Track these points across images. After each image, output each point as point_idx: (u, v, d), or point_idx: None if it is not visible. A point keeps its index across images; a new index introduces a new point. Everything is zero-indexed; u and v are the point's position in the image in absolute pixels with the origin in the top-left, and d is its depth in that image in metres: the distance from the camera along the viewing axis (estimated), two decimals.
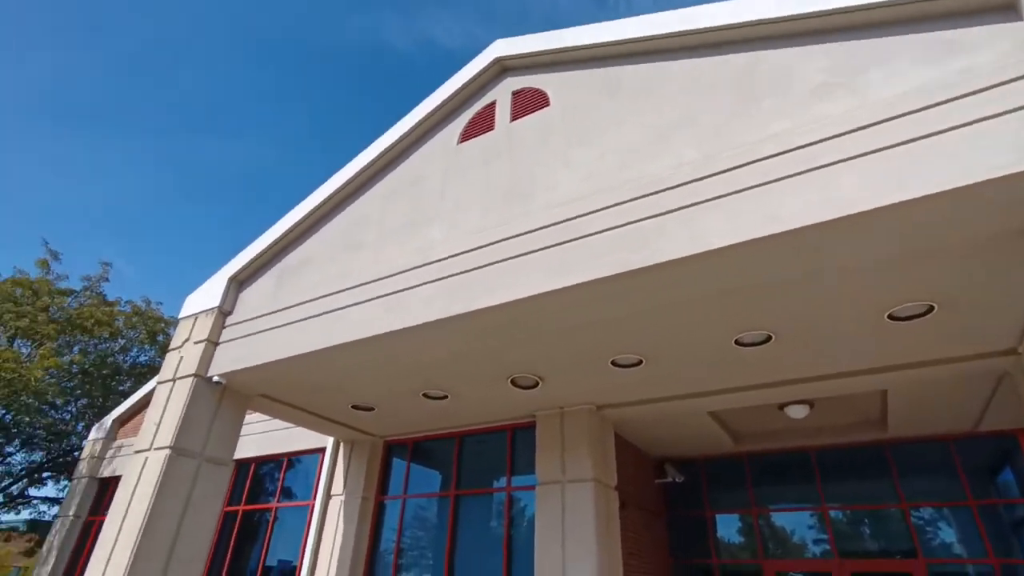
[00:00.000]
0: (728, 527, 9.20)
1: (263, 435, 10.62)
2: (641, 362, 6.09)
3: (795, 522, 8.73)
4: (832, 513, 8.40)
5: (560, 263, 4.66)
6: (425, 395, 7.29)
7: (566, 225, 4.79)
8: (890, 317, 5.06)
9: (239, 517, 10.26)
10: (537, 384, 6.76)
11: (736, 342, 5.60)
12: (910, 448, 8.27)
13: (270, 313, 6.73)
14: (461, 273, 5.24)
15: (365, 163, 6.97)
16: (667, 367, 6.21)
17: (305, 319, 6.30)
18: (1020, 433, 7.73)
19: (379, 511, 8.73)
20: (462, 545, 7.82)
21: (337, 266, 6.52)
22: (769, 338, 5.46)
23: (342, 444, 9.32)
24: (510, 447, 8.03)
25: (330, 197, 7.09)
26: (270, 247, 7.30)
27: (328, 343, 5.93)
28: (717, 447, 9.26)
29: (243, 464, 10.85)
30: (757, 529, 8.81)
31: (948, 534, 7.81)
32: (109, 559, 5.91)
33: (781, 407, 7.83)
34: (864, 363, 5.98)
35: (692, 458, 9.72)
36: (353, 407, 7.83)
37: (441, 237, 5.77)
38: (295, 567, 8.92)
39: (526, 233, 4.98)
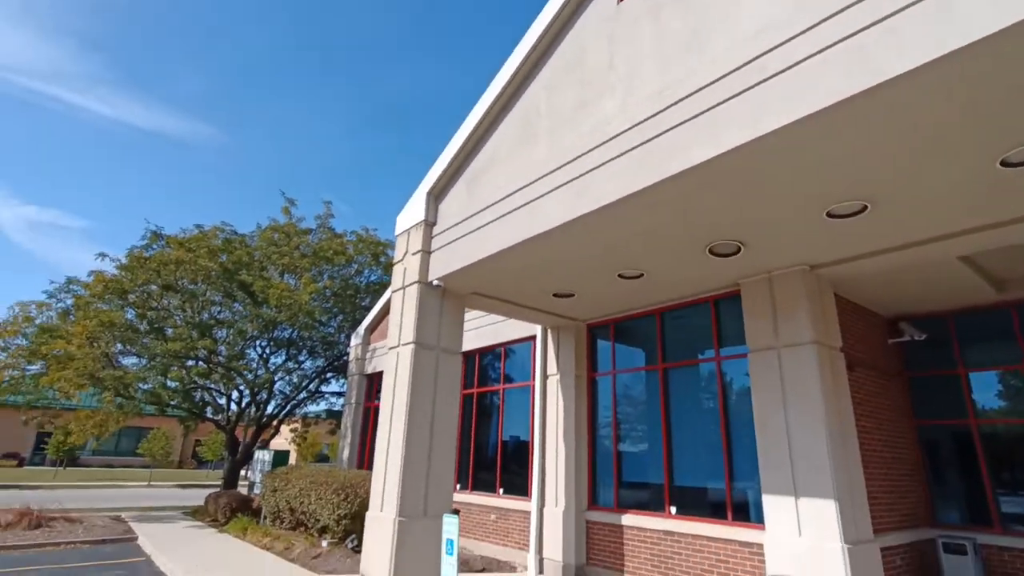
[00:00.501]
0: (989, 385, 7.97)
1: (481, 329, 12.00)
2: (865, 208, 5.30)
3: None
4: None
5: (760, 105, 4.15)
6: (620, 275, 7.40)
7: (762, 61, 4.19)
8: None
9: (474, 399, 12.02)
10: (739, 250, 6.38)
11: (1003, 163, 4.51)
12: None
13: (467, 218, 7.33)
14: (646, 142, 5.01)
15: (527, 49, 6.85)
16: (901, 210, 5.31)
17: (498, 218, 6.74)
18: None
19: (592, 387, 9.44)
20: (676, 414, 8.13)
21: (518, 162, 6.72)
22: None
23: (549, 331, 10.08)
24: (714, 318, 7.86)
25: (501, 92, 7.20)
26: (456, 156, 7.79)
27: (522, 237, 6.30)
28: (972, 297, 7.86)
29: (468, 356, 12.48)
30: None
31: None
32: (390, 431, 7.47)
33: None
34: None
35: (936, 313, 8.43)
36: (554, 295, 8.34)
37: (617, 109, 5.52)
38: (526, 441, 10.27)
39: (715, 81, 4.50)
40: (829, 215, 5.48)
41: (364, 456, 15.37)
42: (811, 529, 5.99)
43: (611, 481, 8.68)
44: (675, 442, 8.03)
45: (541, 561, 8.84)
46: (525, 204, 6.39)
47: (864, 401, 7.41)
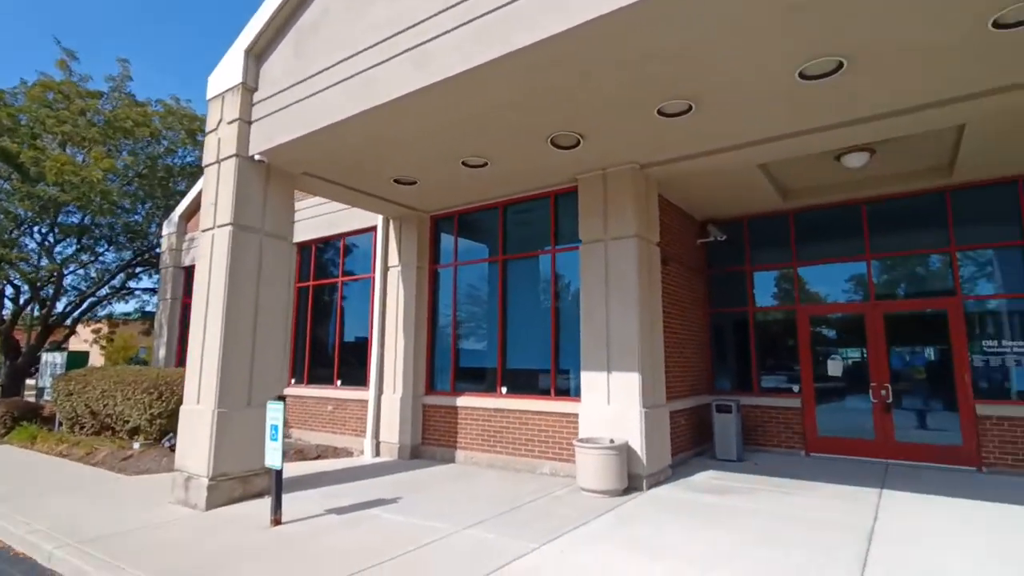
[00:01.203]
0: (767, 281, 9.54)
1: (318, 219, 11.15)
2: (691, 108, 5.64)
3: (834, 273, 8.91)
4: (874, 263, 8.48)
5: None
6: (464, 163, 7.20)
7: None
8: (995, 25, 4.31)
9: (311, 293, 11.38)
10: (578, 143, 6.50)
11: (801, 75, 5.01)
12: (971, 193, 7.88)
13: (294, 85, 6.42)
14: (493, 11, 4.65)
15: None
16: (718, 113, 5.75)
17: (330, 87, 5.99)
18: None
19: (434, 278, 9.42)
20: (512, 304, 8.50)
21: (354, 23, 5.92)
22: (840, 66, 4.84)
23: (391, 221, 9.69)
24: (553, 213, 8.14)
25: None
26: (280, 8, 6.64)
27: (357, 110, 5.70)
28: (763, 204, 9.11)
29: (305, 247, 11.64)
30: (796, 280, 9.10)
31: (991, 274, 7.84)
32: (206, 320, 6.76)
33: (838, 157, 7.40)
34: (948, 91, 5.32)
35: (736, 217, 9.68)
36: (395, 181, 7.90)
37: None
38: (365, 333, 10.08)
39: None
40: (660, 113, 5.75)
41: (183, 355, 14.02)
42: (618, 399, 6.84)
43: (448, 367, 9.00)
44: (510, 330, 8.47)
45: (377, 445, 9.08)
46: (360, 72, 5.72)
47: (672, 292, 8.41)
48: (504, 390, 8.27)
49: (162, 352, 14.41)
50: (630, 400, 6.76)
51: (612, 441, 6.51)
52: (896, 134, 6.24)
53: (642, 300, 7.01)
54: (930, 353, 8.09)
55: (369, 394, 9.27)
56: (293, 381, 11.31)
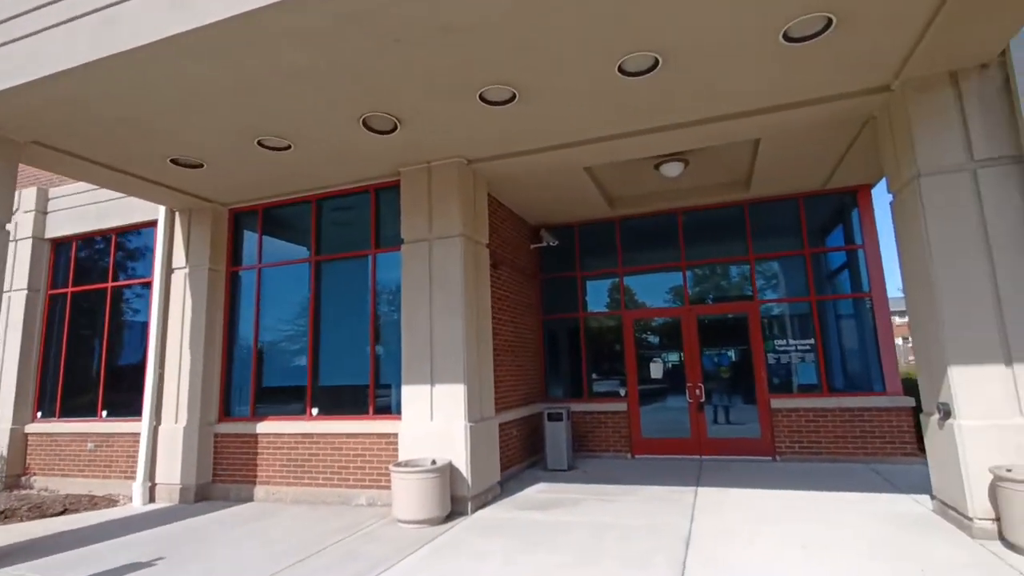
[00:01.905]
0: (597, 287, 9.67)
1: (84, 209, 8.96)
2: (514, 97, 5.24)
3: (656, 281, 9.31)
4: (689, 270, 8.99)
5: None
6: (261, 144, 6.05)
7: None
8: (785, 38, 4.50)
9: (68, 302, 9.05)
10: (396, 128, 5.77)
11: (620, 69, 4.86)
12: (765, 207, 8.71)
13: (5, 20, 4.79)
14: None
15: None
16: (542, 105, 5.43)
17: (57, 25, 4.53)
18: (860, 189, 8.31)
19: (233, 283, 7.96)
20: (327, 312, 7.44)
21: None
22: (656, 63, 4.77)
23: (178, 214, 8.01)
24: (374, 210, 7.29)
25: None
26: None
27: (92, 56, 4.35)
28: (592, 211, 9.22)
29: (62, 244, 9.29)
30: (622, 287, 9.33)
31: (781, 281, 8.73)
32: None
33: (657, 166, 7.65)
34: (745, 103, 5.60)
35: (568, 223, 9.70)
36: (173, 162, 6.43)
37: None
38: (141, 351, 8.17)
39: None
40: (483, 99, 5.26)
41: None
42: (442, 414, 6.18)
43: (248, 388, 7.60)
44: (324, 342, 7.39)
45: (152, 488, 7.32)
46: (101, 8, 4.39)
47: (504, 297, 8.03)
48: (315, 411, 7.15)
49: None
50: (455, 414, 6.13)
51: (434, 462, 5.82)
52: (705, 143, 6.52)
53: (469, 304, 6.47)
54: (735, 354, 8.73)
55: (143, 425, 7.46)
56: (39, 415, 8.85)
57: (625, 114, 5.74)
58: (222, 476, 7.34)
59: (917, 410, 7.55)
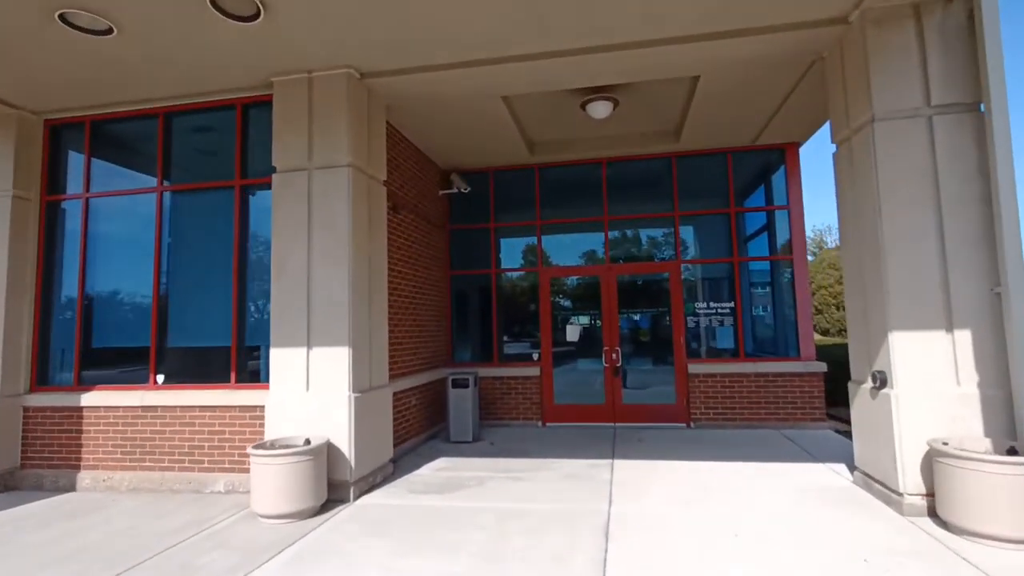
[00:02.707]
0: (512, 241, 8.77)
1: None
2: None
3: (576, 237, 8.57)
4: (611, 227, 8.30)
5: None
6: (65, 20, 4.41)
7: None
8: None
9: None
10: (259, 14, 4.37)
11: None
12: (692, 162, 8.16)
13: None
14: None
15: None
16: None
17: None
18: (788, 147, 7.95)
19: (50, 216, 6.19)
20: (176, 256, 5.95)
21: None
22: None
23: None
24: (240, 128, 5.82)
25: None
26: None
27: None
28: (510, 156, 8.22)
29: None
30: (539, 242, 8.49)
31: (704, 241, 8.29)
32: None
33: (584, 104, 6.75)
34: (684, 27, 4.76)
35: (482, 168, 8.65)
36: None
37: None
38: None
39: None
40: None
41: None
42: (321, 384, 5.07)
43: (72, 351, 6.00)
44: (173, 293, 5.92)
45: None
46: None
47: (405, 247, 6.91)
48: (160, 379, 5.75)
49: None
50: (336, 384, 5.05)
51: (308, 442, 4.73)
52: (640, 75, 5.68)
53: (359, 252, 5.32)
54: (654, 316, 8.25)
55: None
56: None
57: (546, 27, 4.72)
58: (34, 460, 5.78)
59: (829, 376, 7.47)
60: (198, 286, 5.88)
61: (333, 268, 5.15)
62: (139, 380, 5.79)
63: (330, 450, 4.89)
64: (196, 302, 5.87)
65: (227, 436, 5.39)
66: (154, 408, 5.56)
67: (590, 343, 8.23)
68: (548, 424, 8.08)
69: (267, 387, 5.32)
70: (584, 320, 8.32)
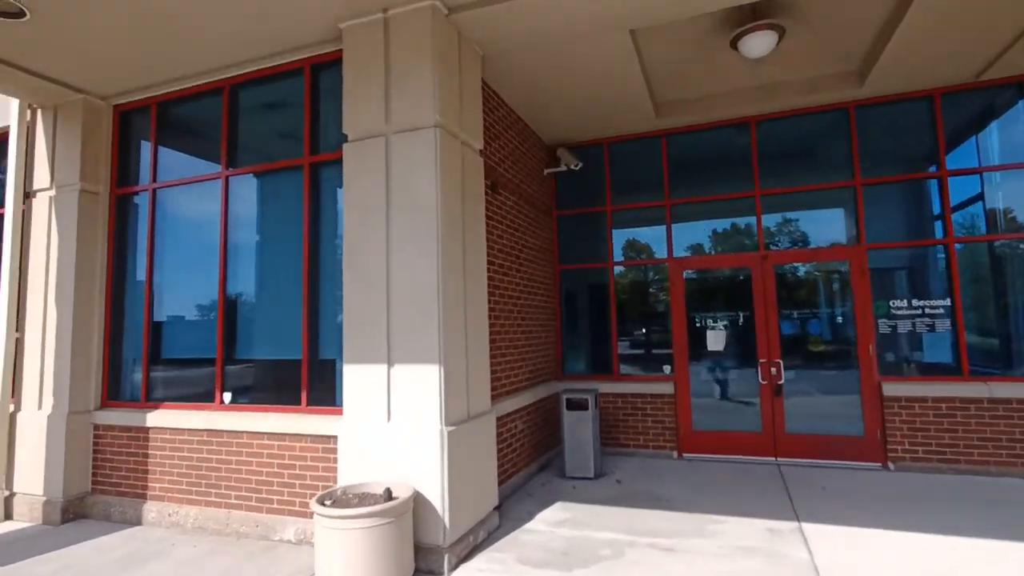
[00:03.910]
0: (630, 227, 7.20)
1: None
2: None
3: (714, 220, 6.83)
4: (765, 202, 6.48)
5: None
6: None
7: None
8: None
9: None
10: None
11: None
12: (880, 112, 6.13)
13: None
14: None
15: None
16: None
17: None
18: None
19: (120, 212, 5.58)
20: (241, 250, 5.07)
21: None
22: None
23: (40, 113, 5.58)
24: (309, 96, 4.80)
25: None
26: None
27: None
28: (631, 121, 6.66)
29: None
30: (669, 227, 6.84)
31: (899, 216, 6.21)
32: None
33: (736, 40, 5.06)
34: None
35: (594, 141, 7.17)
36: None
37: None
38: None
39: None
40: None
41: None
42: (405, 411, 3.88)
43: (140, 361, 5.33)
44: (238, 295, 5.05)
45: (10, 500, 5.18)
46: None
47: (505, 236, 5.62)
48: (227, 398, 4.89)
49: None
50: (424, 412, 3.83)
51: (389, 494, 3.55)
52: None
53: (450, 238, 4.07)
54: (828, 319, 6.32)
55: None
56: None
57: None
58: (103, 485, 5.16)
59: None
60: (266, 287, 4.97)
61: (417, 259, 3.94)
62: (206, 398, 4.96)
63: (417, 505, 3.68)
64: (264, 306, 4.96)
65: (297, 472, 4.38)
66: (219, 433, 4.68)
67: (739, 353, 6.47)
68: (685, 455, 6.43)
69: (342, 412, 4.24)
70: (730, 324, 6.56)
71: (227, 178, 5.07)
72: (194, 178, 5.29)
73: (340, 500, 3.55)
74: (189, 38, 4.50)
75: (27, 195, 5.53)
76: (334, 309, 4.60)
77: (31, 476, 5.14)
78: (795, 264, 6.43)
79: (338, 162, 4.53)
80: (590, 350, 7.22)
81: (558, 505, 4.90)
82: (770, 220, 6.50)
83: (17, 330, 5.40)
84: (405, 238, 3.99)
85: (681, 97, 6.47)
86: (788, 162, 6.50)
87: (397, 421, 3.89)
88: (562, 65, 5.24)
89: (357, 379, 4.04)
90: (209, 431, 4.72)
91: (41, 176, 5.51)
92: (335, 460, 4.23)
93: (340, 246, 4.53)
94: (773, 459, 6.08)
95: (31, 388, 5.30)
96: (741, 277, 6.58)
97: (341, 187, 4.39)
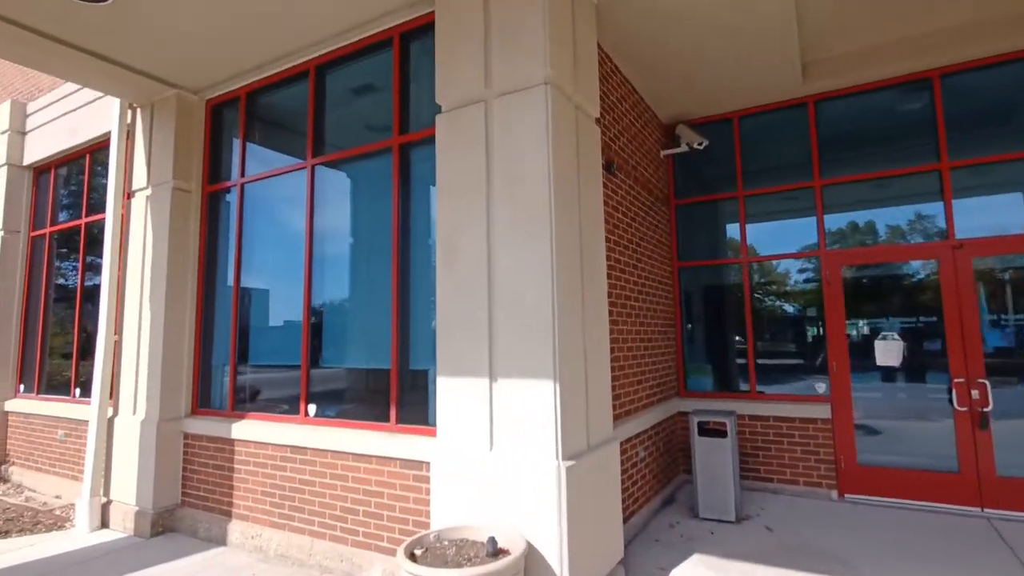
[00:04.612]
0: (767, 219, 6.03)
1: (58, 122, 6.81)
2: None
3: (879, 207, 5.50)
4: (955, 177, 5.07)
5: None
6: None
7: None
8: None
9: (47, 244, 7.04)
10: None
11: None
12: None
13: None
14: None
15: None
16: None
17: None
18: None
19: (211, 209, 5.34)
20: (328, 247, 4.58)
21: None
22: None
23: (139, 111, 5.50)
24: (397, 67, 4.22)
25: None
26: None
27: None
28: (770, 89, 5.53)
29: (43, 171, 7.27)
30: (820, 212, 5.60)
31: None
32: None
33: None
34: None
35: (720, 116, 6.09)
36: None
37: None
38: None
39: None
40: None
41: None
42: (509, 435, 3.11)
43: (227, 369, 5.01)
44: (323, 295, 4.56)
45: (106, 507, 5.04)
46: None
47: (622, 225, 4.73)
48: (311, 410, 4.39)
49: None
50: (537, 441, 3.04)
51: (494, 546, 2.78)
52: None
53: (564, 223, 3.26)
54: None
55: (91, 416, 5.16)
56: (22, 388, 7.01)
57: None
58: (192, 498, 4.86)
59: None
60: (353, 286, 4.43)
61: (525, 249, 3.17)
62: (290, 410, 4.51)
63: (530, 563, 2.88)
64: (351, 308, 4.43)
65: (385, 502, 3.75)
66: (303, 450, 4.18)
67: (920, 369, 5.09)
68: (848, 496, 5.14)
69: (435, 432, 3.56)
70: (907, 332, 5.19)
71: (313, 167, 4.62)
72: (280, 170, 4.90)
73: (433, 549, 2.84)
74: (277, 12, 4.07)
75: (128, 196, 5.45)
76: (427, 311, 3.95)
77: (125, 485, 4.97)
78: (1005, 255, 4.94)
79: (431, 140, 3.89)
80: (717, 362, 6.10)
81: (696, 559, 3.91)
82: (965, 203, 5.07)
83: (116, 332, 5.30)
84: (510, 224, 3.24)
85: (836, 53, 5.26)
86: (984, 126, 5.05)
87: (501, 449, 3.13)
88: (690, 18, 4.28)
89: (452, 395, 3.33)
90: (292, 447, 4.24)
91: (139, 176, 5.40)
92: (427, 491, 3.55)
93: (434, 237, 3.88)
94: (979, 510, 4.66)
95: (127, 393, 5.15)
96: (923, 274, 5.20)
97: (427, 170, 3.74)
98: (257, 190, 5.07)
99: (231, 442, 4.63)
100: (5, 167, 7.15)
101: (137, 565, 4.14)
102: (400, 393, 3.96)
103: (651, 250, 5.50)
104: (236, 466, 4.58)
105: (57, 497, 5.97)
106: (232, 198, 5.22)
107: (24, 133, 7.27)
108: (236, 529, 4.46)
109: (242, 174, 5.14)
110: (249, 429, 4.50)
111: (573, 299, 3.28)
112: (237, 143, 5.23)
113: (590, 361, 3.44)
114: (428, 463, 3.52)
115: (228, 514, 4.58)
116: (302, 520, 4.14)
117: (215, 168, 5.36)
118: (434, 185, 3.69)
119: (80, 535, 4.85)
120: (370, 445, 3.82)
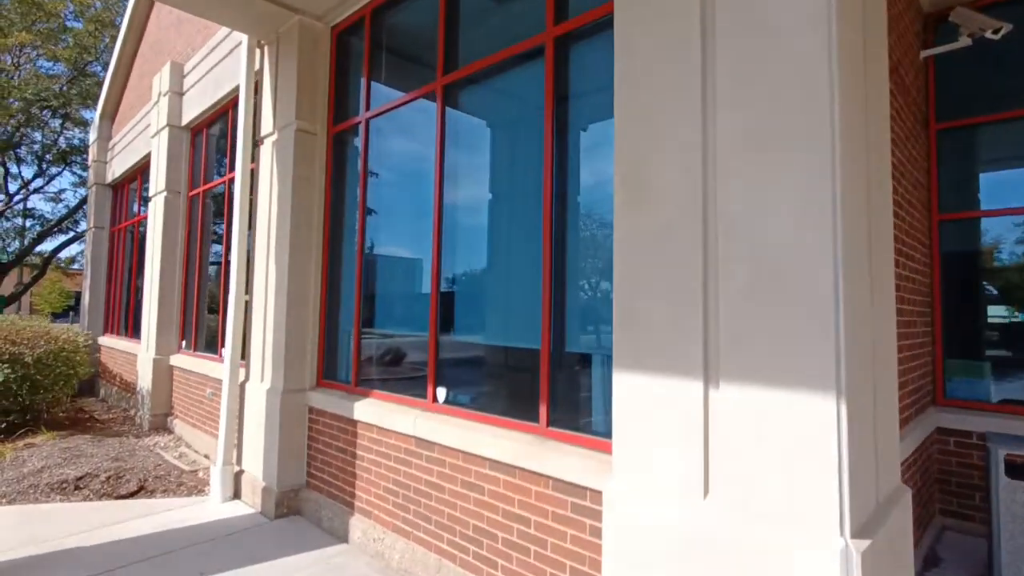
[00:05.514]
0: None
1: (206, 79, 6.72)
2: None
3: None
4: None
5: None
6: None
7: None
8: None
9: (200, 203, 7.09)
10: None
11: None
12: None
13: None
14: None
15: None
16: None
17: None
18: None
19: (336, 152, 4.67)
20: (462, 199, 3.60)
21: None
22: None
23: (265, 49, 4.97)
24: None
25: None
26: None
27: None
28: None
29: (198, 131, 7.31)
30: None
31: None
32: None
33: None
34: None
35: None
36: None
37: None
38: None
39: None
40: None
41: (112, 304, 10.47)
42: (746, 483, 1.87)
43: (351, 336, 4.34)
44: (455, 254, 3.61)
45: (238, 476, 4.74)
46: None
47: (894, 152, 3.11)
48: (440, 394, 3.52)
49: (87, 300, 10.91)
50: (801, 491, 1.76)
51: None
52: None
53: (850, 131, 1.84)
54: None
55: (223, 380, 4.87)
56: (183, 344, 7.24)
57: None
58: (316, 480, 4.34)
59: None
60: (492, 240, 3.42)
61: (780, 177, 1.84)
62: (417, 393, 3.69)
63: None
64: (487, 268, 3.43)
65: (532, 533, 2.74)
66: (430, 445, 3.33)
67: None
68: None
69: (608, 447, 2.45)
70: None
71: (443, 88, 3.64)
72: (407, 98, 4.01)
73: None
74: None
75: (255, 144, 4.99)
76: (595, 272, 2.80)
77: (254, 457, 4.60)
78: None
79: (601, 27, 2.67)
80: (997, 358, 4.20)
81: None
82: None
83: (247, 292, 4.93)
84: (752, 130, 1.92)
85: None
86: None
87: (725, 502, 1.90)
88: None
89: (638, 399, 2.16)
90: (418, 440, 3.41)
91: (266, 121, 4.90)
92: (592, 531, 2.46)
93: (595, 174, 2.69)
94: None
95: (256, 358, 4.77)
96: None
97: (592, 81, 2.52)
98: (383, 125, 4.25)
99: (353, 423, 3.96)
100: (167, 128, 7.29)
101: (253, 556, 3.65)
102: (552, 384, 2.89)
103: (908, 195, 3.77)
104: (359, 452, 3.90)
105: (206, 456, 5.96)
106: (358, 141, 4.47)
107: (181, 94, 7.35)
108: (358, 526, 3.80)
109: (367, 107, 4.35)
110: (371, 411, 3.77)
111: (859, 265, 1.90)
112: (362, 75, 4.44)
113: (878, 363, 2.04)
114: (597, 491, 2.42)
115: (351, 506, 3.94)
116: (428, 532, 3.32)
117: (340, 106, 4.66)
118: (607, 91, 2.48)
119: (212, 506, 4.59)
120: (512, 452, 2.83)
